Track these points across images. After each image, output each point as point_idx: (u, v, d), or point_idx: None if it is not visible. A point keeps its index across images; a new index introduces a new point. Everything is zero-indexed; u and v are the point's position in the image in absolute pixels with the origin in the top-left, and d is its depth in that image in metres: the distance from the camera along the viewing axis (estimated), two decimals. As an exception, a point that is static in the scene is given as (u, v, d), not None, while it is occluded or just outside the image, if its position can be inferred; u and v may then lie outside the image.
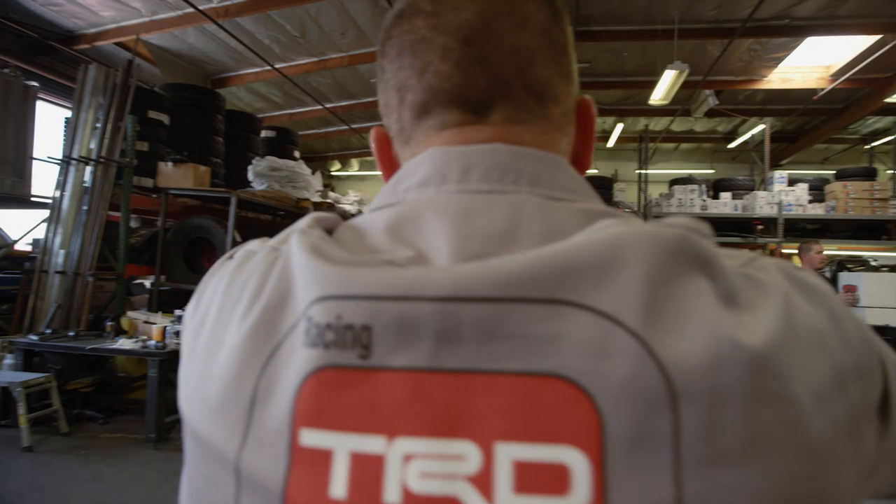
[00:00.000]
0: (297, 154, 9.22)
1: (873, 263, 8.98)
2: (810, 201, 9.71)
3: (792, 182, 9.97)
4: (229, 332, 0.37)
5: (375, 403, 0.32)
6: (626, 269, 0.31)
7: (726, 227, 9.98)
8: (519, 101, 0.42)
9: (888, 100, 9.30)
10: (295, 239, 0.38)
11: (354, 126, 12.17)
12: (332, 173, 16.03)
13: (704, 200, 9.81)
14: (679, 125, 12.80)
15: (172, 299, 6.06)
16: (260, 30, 8.14)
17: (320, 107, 10.50)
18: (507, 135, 0.42)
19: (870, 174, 10.30)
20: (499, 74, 0.42)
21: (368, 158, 15.83)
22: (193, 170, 6.17)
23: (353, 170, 16.46)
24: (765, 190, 9.97)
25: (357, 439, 0.31)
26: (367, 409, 0.32)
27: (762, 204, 9.58)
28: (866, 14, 7.64)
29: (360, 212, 10.32)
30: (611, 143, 13.27)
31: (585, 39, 8.28)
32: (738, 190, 10.46)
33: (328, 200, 8.51)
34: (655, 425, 0.28)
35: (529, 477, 0.29)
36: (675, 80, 7.17)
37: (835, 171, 11.05)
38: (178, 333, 4.82)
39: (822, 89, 9.73)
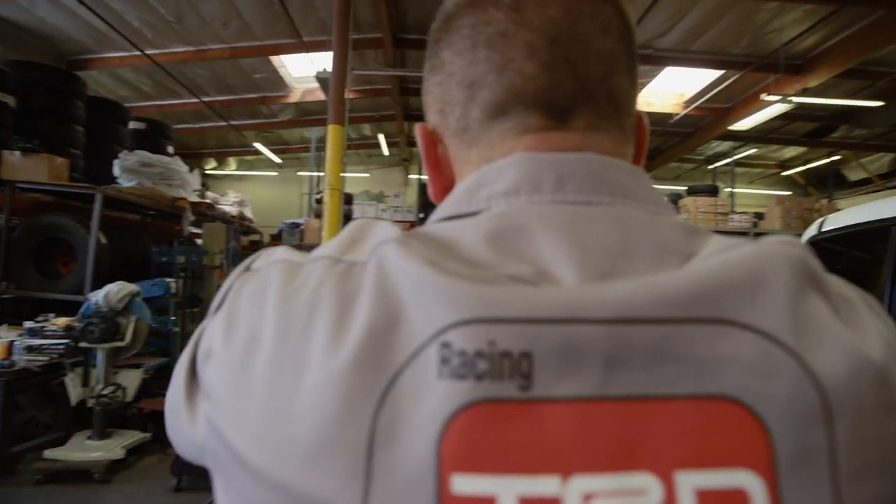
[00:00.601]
0: (171, 149, 8.50)
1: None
2: (667, 214, 10.83)
3: (652, 196, 11.07)
4: (311, 363, 0.31)
5: (542, 439, 0.29)
6: (773, 286, 0.31)
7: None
8: (600, 108, 0.41)
9: (729, 127, 10.64)
10: (393, 248, 0.33)
11: (234, 123, 11.50)
12: (208, 171, 14.99)
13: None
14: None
15: (20, 309, 5.29)
16: (128, 10, 7.42)
17: (196, 100, 9.78)
18: (591, 143, 0.40)
19: (713, 191, 11.71)
20: (585, 79, 0.40)
21: (248, 157, 15.05)
22: (48, 161, 5.43)
23: (231, 169, 15.55)
24: (629, 202, 10.96)
25: (525, 481, 0.28)
26: (533, 447, 0.28)
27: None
28: (714, 51, 8.71)
29: (241, 214, 9.77)
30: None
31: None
32: (607, 201, 11.42)
33: (207, 200, 7.94)
34: (814, 441, 0.29)
35: None
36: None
37: (686, 188, 12.41)
38: (30, 349, 4.22)
39: (677, 114, 10.94)
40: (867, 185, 14.49)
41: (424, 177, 0.47)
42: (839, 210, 9.35)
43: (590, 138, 0.40)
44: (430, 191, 0.49)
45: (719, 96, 10.11)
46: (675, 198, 11.53)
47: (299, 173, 15.33)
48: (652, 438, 0.29)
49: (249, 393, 0.33)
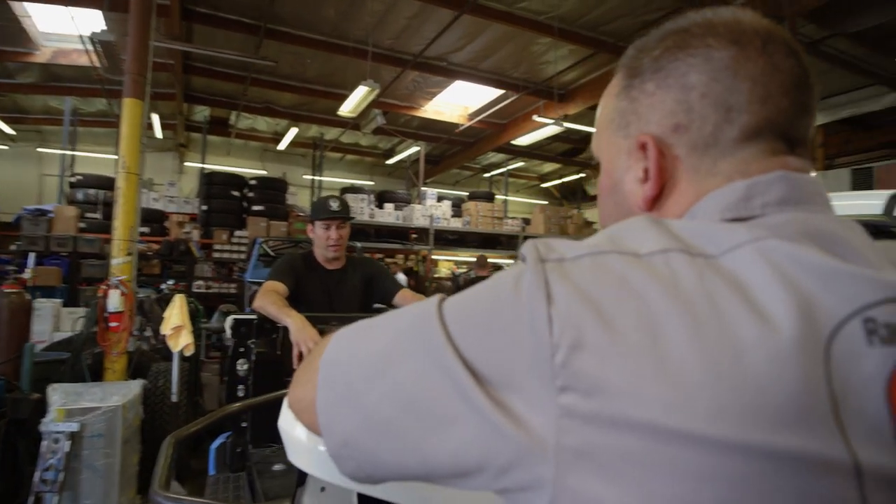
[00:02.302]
0: None
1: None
2: (452, 216, 11.70)
3: (439, 199, 11.85)
4: (747, 343, 0.35)
5: None
6: None
7: (389, 235, 11.19)
8: (806, 140, 0.51)
9: (512, 141, 11.93)
10: (781, 243, 0.39)
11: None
12: None
13: (372, 209, 10.76)
14: (347, 137, 13.70)
15: None
16: None
17: None
18: (809, 168, 0.50)
19: (490, 198, 13.04)
20: (810, 121, 0.51)
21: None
22: None
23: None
24: (419, 204, 11.56)
25: None
26: None
27: (418, 216, 11.09)
28: (498, 72, 9.71)
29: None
30: (282, 145, 13.28)
31: (273, 38, 8.16)
32: (399, 202, 11.89)
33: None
34: None
35: None
36: (365, 97, 7.70)
37: (468, 193, 13.56)
38: None
39: (462, 125, 11.90)
40: (601, 200, 17.61)
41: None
42: (586, 219, 11.13)
43: (807, 164, 0.50)
44: (640, 196, 0.52)
45: (498, 113, 11.30)
46: (459, 201, 12.52)
47: (41, 150, 12.73)
48: None
49: (675, 376, 0.35)
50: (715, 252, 0.40)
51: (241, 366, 1.87)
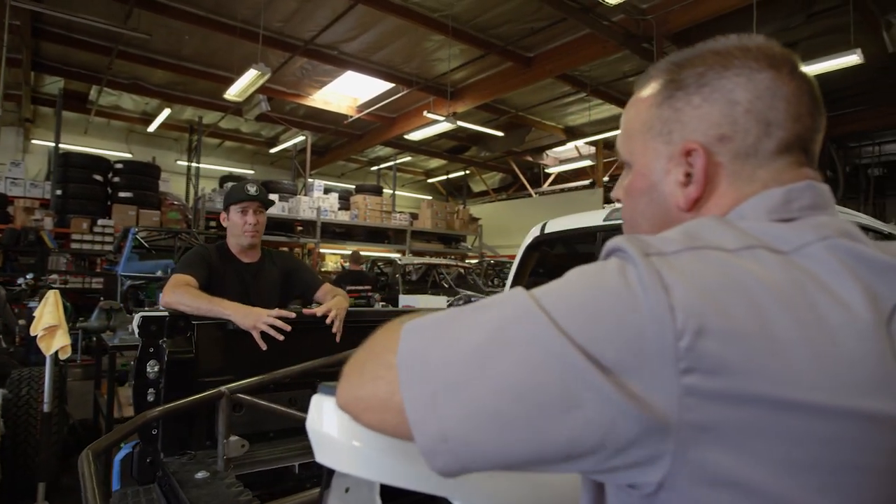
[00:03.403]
0: None
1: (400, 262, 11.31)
2: (340, 209, 11.47)
3: (327, 191, 11.56)
4: (837, 326, 0.43)
5: None
6: None
7: (274, 227, 10.68)
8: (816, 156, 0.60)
9: (406, 136, 11.94)
10: (846, 242, 0.48)
11: None
12: None
13: (257, 200, 10.23)
14: (227, 123, 12.89)
15: None
16: None
17: None
18: (821, 178, 0.58)
19: (378, 191, 12.96)
20: (820, 138, 0.59)
21: None
22: None
23: None
24: (306, 196, 11.19)
25: None
26: None
27: (305, 208, 10.74)
28: (389, 65, 9.66)
29: None
30: (153, 127, 12.19)
31: (145, 8, 7.45)
32: (284, 193, 11.41)
33: None
34: None
35: None
36: (254, 81, 7.29)
37: (355, 186, 13.36)
38: None
39: (351, 117, 11.71)
40: (485, 196, 18.27)
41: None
42: (471, 214, 11.51)
43: (819, 174, 0.59)
44: (681, 196, 0.59)
45: (388, 106, 11.27)
46: (347, 194, 12.31)
47: None
48: None
49: (783, 355, 0.42)
50: (787, 249, 0.48)
51: (152, 368, 1.71)
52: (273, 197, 10.80)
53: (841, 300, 0.44)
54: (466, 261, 12.31)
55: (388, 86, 10.39)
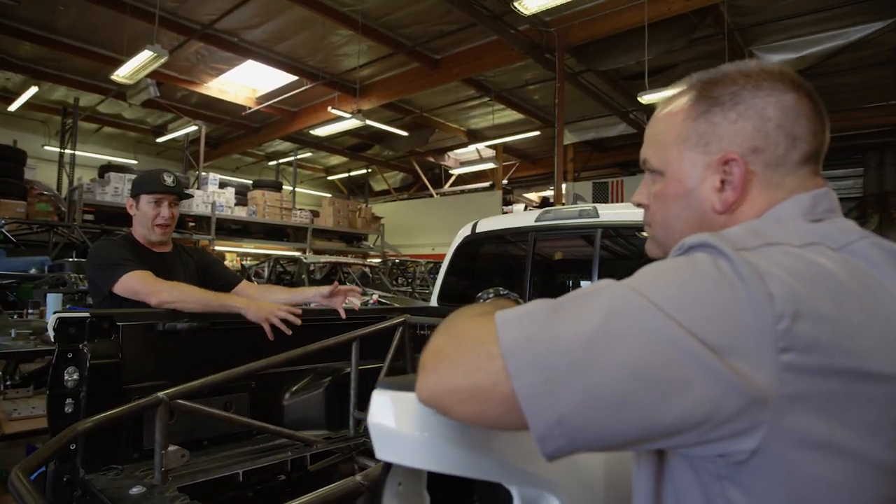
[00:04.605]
0: None
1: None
2: (236, 204, 10.89)
3: (222, 185, 10.93)
4: (885, 309, 0.52)
5: None
6: None
7: (162, 222, 9.91)
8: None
9: (313, 132, 11.56)
10: (872, 240, 0.57)
11: None
12: None
13: (143, 192, 9.43)
14: (108, 107, 11.76)
15: None
16: None
17: None
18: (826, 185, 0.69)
19: (278, 187, 12.46)
20: (825, 150, 0.69)
21: None
22: None
23: None
24: (199, 189, 10.50)
25: None
26: None
27: (198, 203, 10.08)
28: (293, 57, 9.33)
29: None
30: (15, 106, 10.84)
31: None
32: (174, 186, 10.60)
33: None
34: None
35: None
36: (148, 64, 6.70)
37: (252, 181, 12.74)
38: None
39: (249, 108, 11.16)
40: (387, 195, 18.20)
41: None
42: (374, 213, 11.45)
43: (825, 182, 0.69)
44: (718, 201, 0.67)
45: (290, 100, 10.88)
46: (244, 190, 11.72)
47: None
48: None
49: (857, 334, 0.49)
50: (837, 246, 0.56)
51: (71, 375, 1.53)
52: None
53: (888, 289, 0.53)
54: (369, 260, 12.20)
55: (291, 78, 10.04)
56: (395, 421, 0.59)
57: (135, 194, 2.15)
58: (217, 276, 2.30)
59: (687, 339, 0.48)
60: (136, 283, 1.86)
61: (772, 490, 0.50)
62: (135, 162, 13.59)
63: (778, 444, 0.49)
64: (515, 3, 5.74)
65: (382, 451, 0.60)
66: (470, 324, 0.58)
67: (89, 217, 8.87)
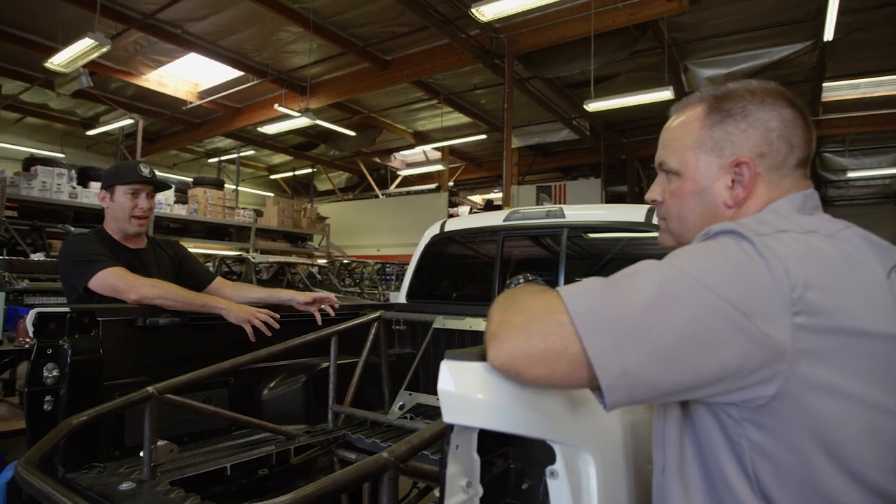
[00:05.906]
0: None
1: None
2: (176, 202, 10.48)
3: (160, 182, 10.49)
4: (871, 282, 0.64)
5: None
6: None
7: (94, 219, 9.42)
8: None
9: (260, 129, 11.22)
10: (858, 230, 0.70)
11: None
12: None
13: (75, 188, 8.95)
14: (32, 96, 11.02)
15: None
16: None
17: None
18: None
19: (220, 185, 12.07)
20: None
21: None
22: None
23: None
24: (135, 186, 10.02)
25: None
26: None
27: (135, 199, 9.62)
28: (239, 52, 9.09)
29: None
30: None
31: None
32: (108, 182, 10.09)
33: None
34: None
35: None
36: (87, 52, 6.36)
37: (193, 178, 12.28)
38: None
39: (190, 103, 10.77)
40: (332, 195, 17.97)
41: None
42: (319, 213, 11.27)
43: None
44: (729, 197, 0.78)
45: (234, 96, 10.58)
46: (184, 187, 11.29)
47: None
48: None
49: (854, 298, 0.63)
50: (828, 234, 0.70)
51: (50, 372, 1.49)
52: (94, 185, 9.59)
53: (869, 266, 0.67)
54: (317, 260, 12.03)
55: (236, 73, 9.76)
56: (462, 387, 0.66)
57: (108, 185, 2.09)
58: (192, 273, 2.27)
59: (724, 306, 0.60)
60: (113, 279, 1.82)
61: (789, 426, 0.62)
62: (62, 155, 12.79)
63: (793, 389, 0.61)
64: (473, 10, 5.85)
65: (449, 415, 0.68)
66: (533, 299, 0.67)
67: (11, 213, 8.30)
